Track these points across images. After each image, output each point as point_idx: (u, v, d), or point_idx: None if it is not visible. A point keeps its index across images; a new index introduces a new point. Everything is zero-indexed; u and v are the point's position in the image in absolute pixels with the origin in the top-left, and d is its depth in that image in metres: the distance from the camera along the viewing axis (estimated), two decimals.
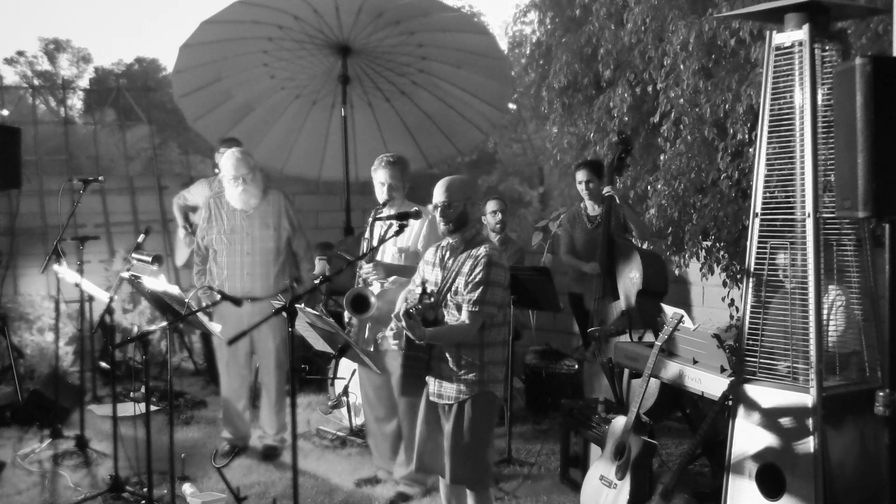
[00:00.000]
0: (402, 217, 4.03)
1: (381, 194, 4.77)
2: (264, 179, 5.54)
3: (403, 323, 3.49)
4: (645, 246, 5.80)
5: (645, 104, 6.58)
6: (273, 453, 5.54)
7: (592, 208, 5.98)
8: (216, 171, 6.81)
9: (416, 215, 4.14)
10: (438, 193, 3.70)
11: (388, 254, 4.74)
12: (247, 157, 5.36)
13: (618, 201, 5.54)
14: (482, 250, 3.63)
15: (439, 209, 3.69)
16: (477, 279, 3.57)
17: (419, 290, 3.56)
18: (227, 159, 5.35)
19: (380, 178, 4.75)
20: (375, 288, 4.72)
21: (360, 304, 4.64)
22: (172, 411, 4.61)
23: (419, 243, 4.70)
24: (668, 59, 5.96)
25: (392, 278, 4.69)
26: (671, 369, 4.40)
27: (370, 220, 4.87)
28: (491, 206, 6.46)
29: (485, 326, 3.62)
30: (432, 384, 3.74)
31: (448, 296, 3.67)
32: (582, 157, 7.13)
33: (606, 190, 5.51)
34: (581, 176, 5.94)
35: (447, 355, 3.66)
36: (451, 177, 3.81)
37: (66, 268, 5.43)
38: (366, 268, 4.58)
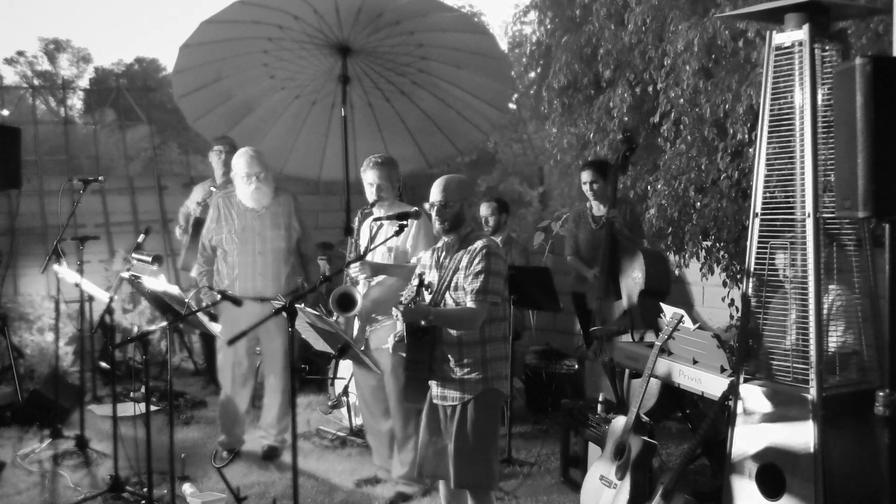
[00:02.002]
0: (402, 217, 4.02)
1: (370, 195, 4.79)
2: (276, 179, 5.54)
3: (401, 316, 3.47)
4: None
5: (645, 104, 6.58)
6: (274, 454, 5.52)
7: (598, 209, 5.95)
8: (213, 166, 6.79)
9: (416, 215, 4.14)
10: (435, 192, 3.70)
11: (378, 253, 4.74)
12: (260, 155, 5.36)
13: (618, 227, 5.56)
14: (479, 243, 3.63)
15: (435, 208, 3.69)
16: (478, 269, 3.55)
17: (416, 282, 3.51)
18: (239, 157, 5.34)
19: (368, 179, 4.78)
20: (362, 286, 4.74)
21: (346, 302, 4.66)
22: (172, 411, 4.61)
23: (408, 243, 4.71)
24: (668, 59, 5.96)
25: (379, 277, 4.71)
26: (671, 369, 4.40)
27: (357, 220, 4.87)
28: (483, 210, 6.46)
29: (485, 321, 3.60)
30: (435, 387, 3.72)
31: (447, 294, 3.66)
32: (582, 157, 7.13)
33: (611, 214, 5.52)
34: (585, 177, 5.91)
35: (449, 356, 3.65)
36: (448, 176, 3.80)
37: (66, 268, 5.43)
38: (353, 267, 4.59)
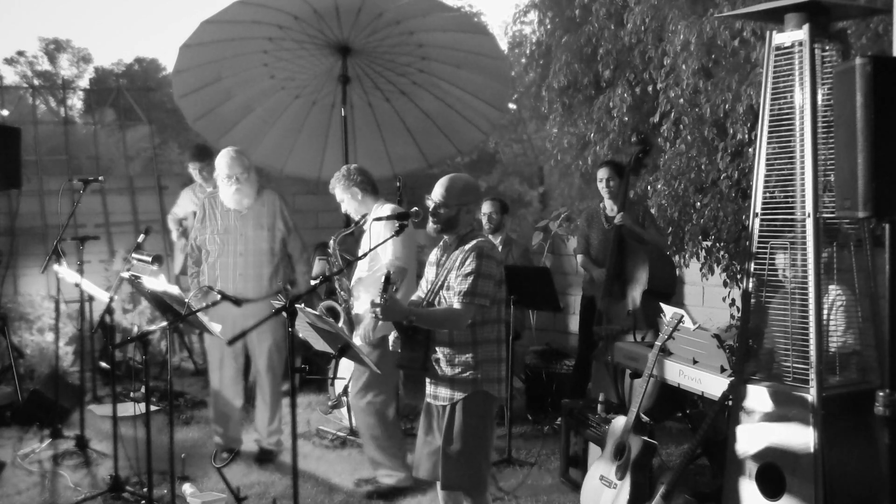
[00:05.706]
0: (403, 217, 4.00)
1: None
2: (259, 179, 5.51)
3: (379, 315, 3.45)
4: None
5: (645, 104, 6.59)
6: (267, 457, 5.44)
7: (611, 208, 5.90)
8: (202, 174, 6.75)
9: (416, 214, 4.12)
10: (436, 191, 3.68)
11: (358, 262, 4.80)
12: (241, 156, 5.31)
13: (628, 226, 5.53)
14: (473, 243, 3.62)
15: (433, 207, 3.69)
16: (468, 270, 3.54)
17: (382, 279, 3.48)
18: (221, 158, 5.29)
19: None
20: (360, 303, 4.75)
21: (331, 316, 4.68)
22: (172, 411, 4.60)
23: (378, 251, 4.71)
24: (668, 59, 5.97)
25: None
26: (671, 369, 4.40)
27: (330, 250, 4.82)
28: (485, 207, 6.45)
29: (476, 323, 3.58)
30: (428, 385, 3.71)
31: (441, 293, 3.65)
32: (582, 157, 7.13)
33: (618, 219, 5.50)
34: (602, 174, 5.85)
35: (440, 355, 3.64)
36: (454, 178, 3.74)
37: (66, 268, 5.43)
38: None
